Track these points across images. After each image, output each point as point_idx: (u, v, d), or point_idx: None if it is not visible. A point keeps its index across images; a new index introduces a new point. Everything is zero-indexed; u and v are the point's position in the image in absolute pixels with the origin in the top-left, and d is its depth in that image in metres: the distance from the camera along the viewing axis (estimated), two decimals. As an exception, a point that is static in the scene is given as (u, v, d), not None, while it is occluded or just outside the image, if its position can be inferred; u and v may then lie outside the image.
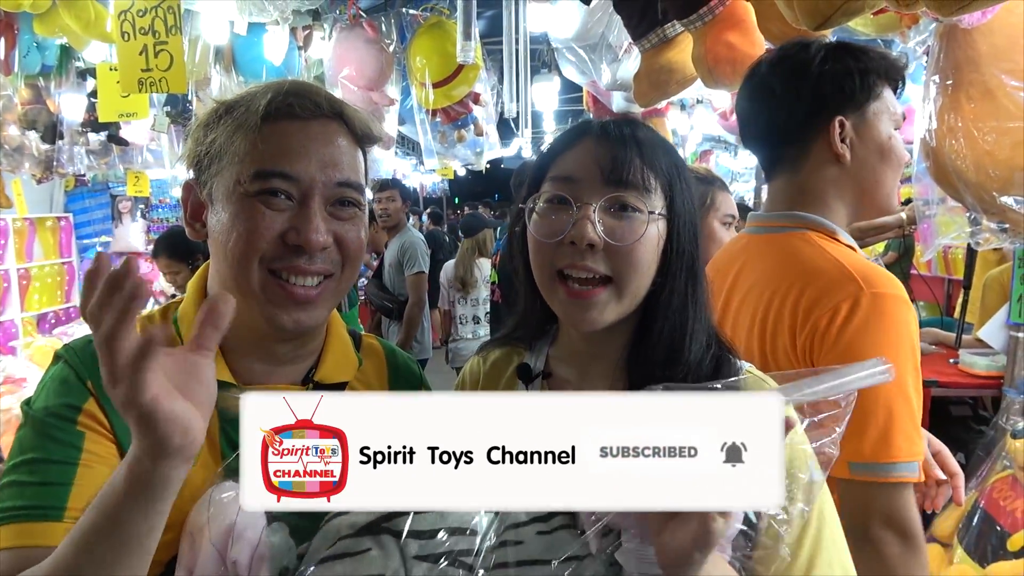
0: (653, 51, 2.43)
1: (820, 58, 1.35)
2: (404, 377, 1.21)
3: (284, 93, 0.98)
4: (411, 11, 3.94)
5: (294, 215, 0.97)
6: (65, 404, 0.94)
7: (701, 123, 5.90)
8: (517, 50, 3.01)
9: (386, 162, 4.02)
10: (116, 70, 3.10)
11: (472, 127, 3.77)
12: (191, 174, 1.03)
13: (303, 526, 0.88)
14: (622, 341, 1.00)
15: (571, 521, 0.84)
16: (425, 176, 14.24)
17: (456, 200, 20.97)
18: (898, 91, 1.42)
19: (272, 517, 0.87)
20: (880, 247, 5.54)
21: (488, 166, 5.20)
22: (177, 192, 6.85)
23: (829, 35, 1.59)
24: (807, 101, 1.35)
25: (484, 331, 5.31)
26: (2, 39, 3.15)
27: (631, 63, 3.16)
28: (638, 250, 0.94)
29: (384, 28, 3.87)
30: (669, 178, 0.98)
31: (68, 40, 3.18)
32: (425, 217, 13.18)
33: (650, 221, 0.95)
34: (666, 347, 0.97)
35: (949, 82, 1.74)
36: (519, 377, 1.10)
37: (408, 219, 5.13)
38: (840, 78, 1.34)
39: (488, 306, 5.15)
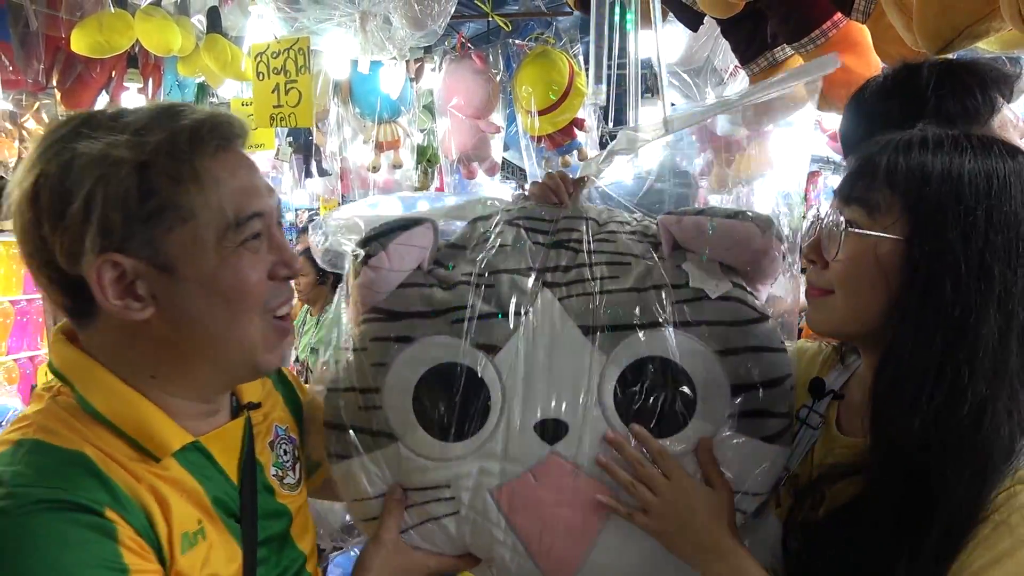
0: (762, 75, 2.43)
1: (935, 80, 1.28)
2: (283, 380, 1.19)
3: (203, 124, 0.86)
4: (517, 41, 4.05)
5: (267, 250, 0.91)
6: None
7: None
8: (624, 75, 3.07)
9: (489, 188, 4.15)
10: (247, 105, 3.39)
11: (576, 153, 3.84)
12: (96, 245, 0.80)
13: None
14: None
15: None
16: (523, 200, 14.41)
17: (553, 223, 21.07)
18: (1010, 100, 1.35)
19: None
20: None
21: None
22: (291, 216, 7.12)
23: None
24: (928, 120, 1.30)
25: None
26: (151, 80, 3.47)
27: (737, 86, 3.16)
28: (840, 268, 0.89)
29: (491, 58, 4.00)
30: (923, 200, 0.83)
31: (206, 79, 3.46)
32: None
33: (862, 237, 0.87)
34: (896, 399, 0.83)
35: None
36: (810, 391, 1.05)
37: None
38: (961, 96, 1.27)
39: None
